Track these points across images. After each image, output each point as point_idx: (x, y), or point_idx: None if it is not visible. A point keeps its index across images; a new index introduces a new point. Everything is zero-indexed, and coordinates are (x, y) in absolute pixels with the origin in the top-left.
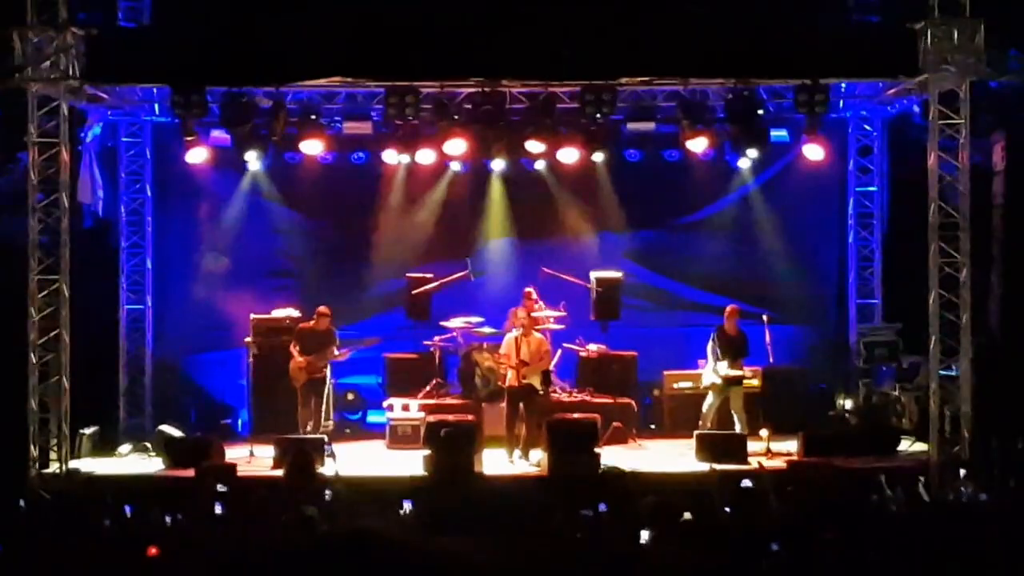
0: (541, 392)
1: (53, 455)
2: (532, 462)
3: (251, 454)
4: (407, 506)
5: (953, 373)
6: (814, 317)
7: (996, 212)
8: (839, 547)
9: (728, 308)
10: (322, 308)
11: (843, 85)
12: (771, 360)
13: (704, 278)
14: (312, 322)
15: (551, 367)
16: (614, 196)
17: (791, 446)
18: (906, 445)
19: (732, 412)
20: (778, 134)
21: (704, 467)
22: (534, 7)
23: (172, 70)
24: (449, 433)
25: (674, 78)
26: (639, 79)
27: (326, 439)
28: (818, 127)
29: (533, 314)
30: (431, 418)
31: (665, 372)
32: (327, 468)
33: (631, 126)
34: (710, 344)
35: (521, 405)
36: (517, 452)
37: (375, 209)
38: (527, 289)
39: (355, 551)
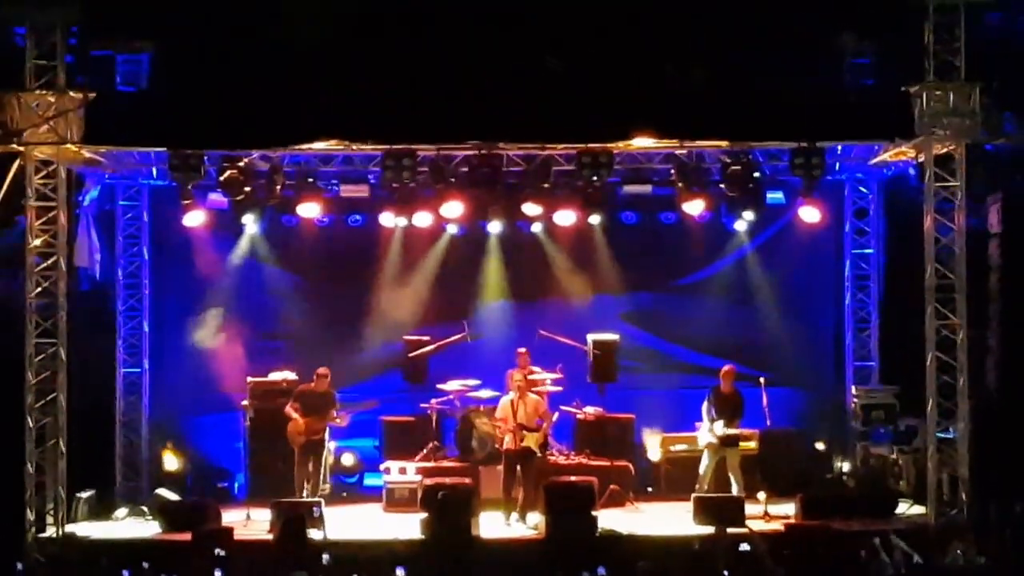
0: (538, 455)
1: (50, 519)
2: (529, 525)
3: (248, 517)
4: (400, 573)
5: (951, 435)
6: (811, 379)
7: (993, 274)
8: None
9: (724, 368)
10: (321, 369)
11: (839, 147)
12: (768, 422)
13: (701, 340)
14: (312, 383)
15: (548, 429)
16: (611, 258)
17: (789, 509)
18: (904, 508)
19: (728, 473)
20: (774, 196)
21: (702, 530)
22: (530, 69)
23: (169, 134)
24: (446, 496)
25: (671, 141)
26: (636, 141)
27: (322, 503)
28: (814, 189)
29: (529, 376)
30: (428, 481)
31: (663, 434)
32: (317, 534)
33: (627, 188)
34: (705, 404)
35: (518, 468)
36: (514, 515)
37: (372, 272)
38: (520, 350)
39: None
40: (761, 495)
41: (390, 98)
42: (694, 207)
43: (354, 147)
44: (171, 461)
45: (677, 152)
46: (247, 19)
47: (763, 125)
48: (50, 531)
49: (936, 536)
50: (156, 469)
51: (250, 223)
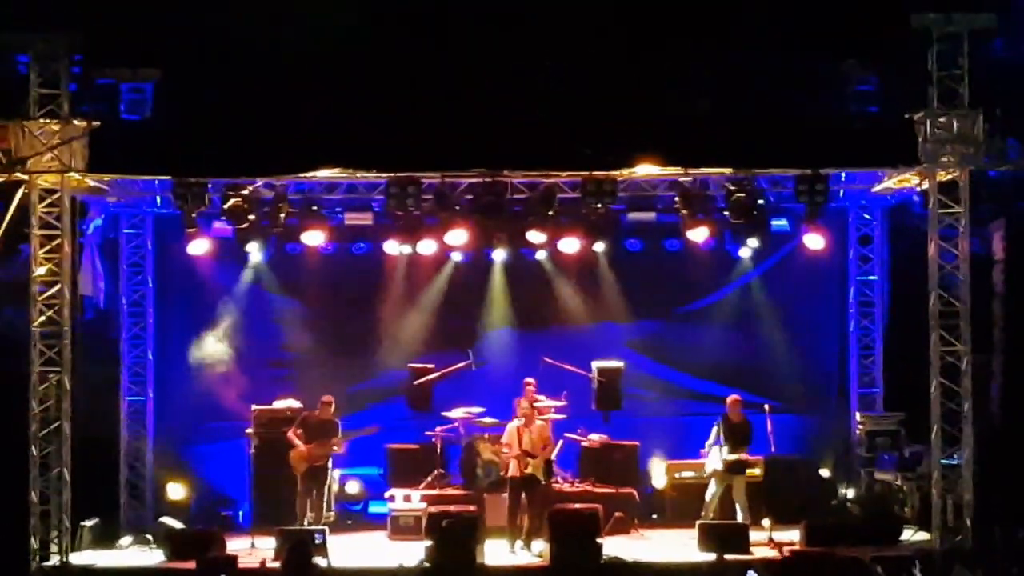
0: (543, 482)
1: (54, 547)
2: (535, 553)
3: (252, 546)
4: None
5: (955, 462)
6: (815, 406)
7: (997, 300)
8: None
9: (730, 398)
10: (326, 397)
11: (843, 174)
12: (773, 449)
13: (706, 367)
14: (317, 411)
15: (553, 457)
16: (615, 286)
17: (793, 535)
18: (909, 534)
19: (734, 500)
20: (778, 223)
21: (707, 557)
22: (534, 99)
23: (174, 162)
24: (451, 524)
25: (675, 168)
26: (640, 169)
27: (327, 531)
28: (818, 216)
29: (535, 404)
30: (433, 509)
31: (668, 461)
32: (322, 561)
33: (632, 216)
34: (714, 430)
35: (523, 495)
36: (519, 543)
37: (377, 299)
38: (527, 380)
39: None
40: (766, 522)
41: (394, 126)
42: (698, 234)
43: (358, 175)
44: (175, 490)
45: (681, 179)
46: (251, 48)
47: (767, 152)
48: (54, 559)
49: (941, 562)
50: (160, 497)
51: (254, 251)
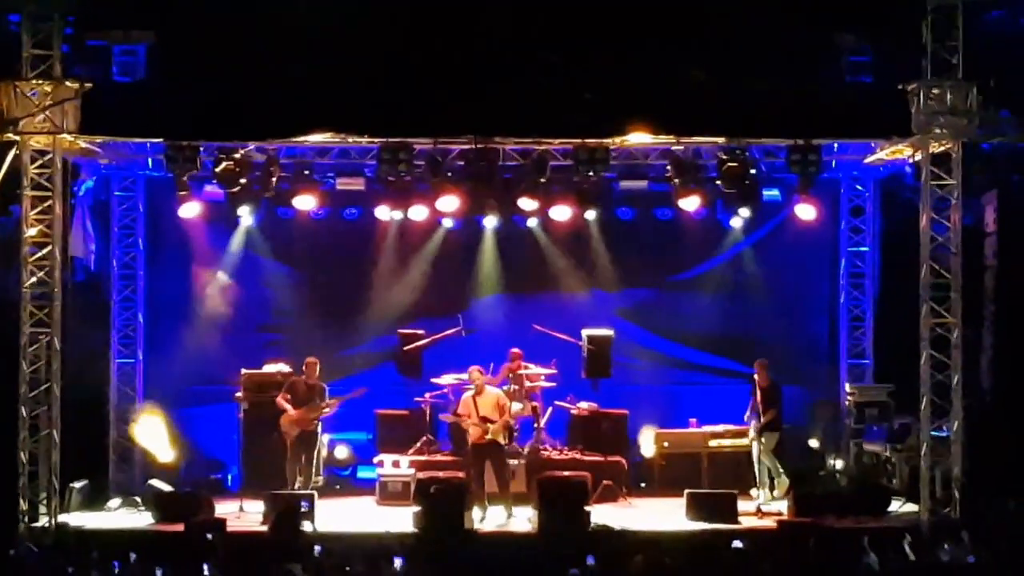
0: (505, 445)
1: (43, 509)
2: (508, 516)
3: (241, 509)
4: (398, 563)
5: (944, 434)
6: (805, 377)
7: (988, 273)
8: None
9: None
10: (310, 359)
11: (835, 145)
12: (762, 420)
13: (695, 337)
14: (303, 374)
15: (514, 423)
16: (606, 254)
17: (782, 506)
18: (897, 506)
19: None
20: (770, 193)
21: (695, 526)
22: (527, 65)
23: (166, 125)
24: (439, 490)
25: (667, 136)
26: (632, 137)
27: (315, 496)
28: (810, 187)
29: (520, 372)
30: (421, 474)
31: (656, 430)
32: (310, 526)
33: (623, 184)
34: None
35: (487, 461)
36: (500, 509)
37: (367, 265)
38: (514, 349)
39: None
40: (755, 492)
41: (387, 91)
42: (690, 203)
43: (350, 140)
44: (148, 433)
45: (673, 148)
46: (244, 10)
47: (760, 121)
48: (43, 521)
49: (929, 534)
50: (149, 460)
51: (246, 215)
